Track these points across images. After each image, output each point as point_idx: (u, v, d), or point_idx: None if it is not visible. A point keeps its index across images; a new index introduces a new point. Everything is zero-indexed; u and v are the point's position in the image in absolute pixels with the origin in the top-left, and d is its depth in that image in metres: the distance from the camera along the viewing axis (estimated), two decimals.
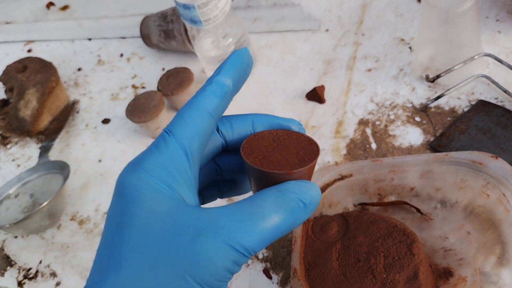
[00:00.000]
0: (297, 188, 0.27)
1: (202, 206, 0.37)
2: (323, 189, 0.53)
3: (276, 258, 0.54)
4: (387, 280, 0.43)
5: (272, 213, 0.25)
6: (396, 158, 0.52)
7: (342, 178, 0.53)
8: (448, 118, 0.60)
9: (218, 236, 0.24)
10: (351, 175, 0.53)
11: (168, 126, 0.28)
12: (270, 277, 0.53)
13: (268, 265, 0.54)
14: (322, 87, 0.68)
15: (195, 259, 0.24)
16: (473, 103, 0.60)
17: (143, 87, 0.84)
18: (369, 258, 0.45)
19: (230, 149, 0.33)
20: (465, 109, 0.60)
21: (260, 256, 0.55)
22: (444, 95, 0.61)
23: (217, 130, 0.31)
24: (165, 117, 0.71)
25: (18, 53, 1.02)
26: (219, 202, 0.34)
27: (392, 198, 0.54)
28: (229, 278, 0.25)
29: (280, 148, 0.29)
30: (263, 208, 0.26)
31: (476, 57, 0.61)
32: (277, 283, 0.52)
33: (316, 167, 0.60)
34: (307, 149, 0.29)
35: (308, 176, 0.29)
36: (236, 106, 0.74)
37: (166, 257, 0.24)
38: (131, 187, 0.26)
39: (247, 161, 0.28)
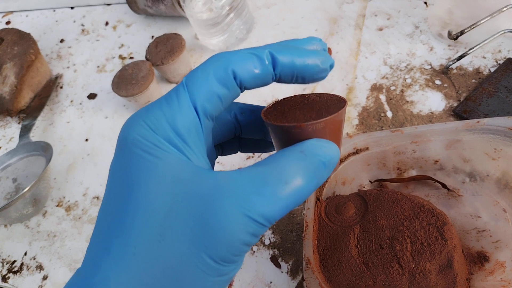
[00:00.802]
0: (318, 148, 0.24)
1: (221, 156, 0.35)
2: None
3: (285, 243, 0.49)
4: (416, 270, 0.37)
5: (295, 177, 0.23)
6: (419, 127, 0.45)
7: (357, 152, 0.47)
8: (473, 80, 0.53)
9: (234, 205, 0.22)
10: (367, 148, 0.47)
11: (186, 77, 0.25)
12: (278, 266, 0.47)
13: (276, 252, 0.48)
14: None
15: (208, 231, 0.21)
16: (501, 62, 0.53)
17: (131, 57, 0.77)
18: (394, 244, 0.39)
19: (254, 109, 0.31)
20: (492, 69, 0.53)
21: (267, 242, 0.49)
22: (467, 54, 0.54)
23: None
24: (155, 89, 0.64)
25: None
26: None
27: (413, 173, 0.48)
28: (245, 251, 0.23)
29: (304, 107, 0.27)
30: (284, 171, 0.23)
31: (504, 9, 0.53)
32: (287, 272, 0.47)
33: None
34: (331, 106, 0.26)
35: (329, 133, 0.26)
36: None
37: (175, 228, 0.22)
38: (136, 145, 0.23)
39: (262, 117, 0.27)
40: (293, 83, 0.26)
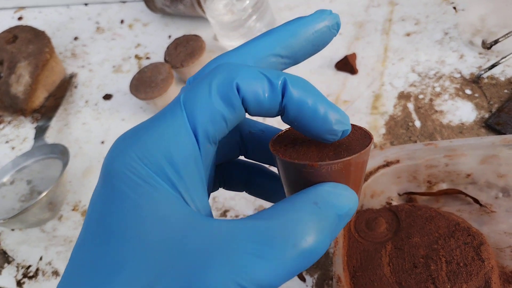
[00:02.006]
0: (334, 197, 0.21)
1: (223, 188, 0.30)
2: (365, 178, 0.45)
3: None
4: None
5: (306, 237, 0.19)
6: (453, 141, 0.44)
7: (387, 164, 0.46)
8: (505, 91, 0.51)
9: (228, 269, 0.18)
10: (398, 161, 0.45)
11: (185, 94, 0.21)
12: (303, 280, 0.46)
13: None
14: (353, 55, 0.59)
15: None
16: None
17: (147, 58, 0.75)
18: (428, 264, 0.38)
19: (266, 130, 0.27)
20: None
21: None
22: (500, 63, 0.52)
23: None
24: (174, 92, 0.63)
25: (7, 21, 0.93)
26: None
27: (444, 186, 0.46)
28: None
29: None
30: (294, 230, 0.19)
31: None
32: (312, 287, 0.45)
33: None
34: (353, 143, 0.23)
35: (348, 176, 0.22)
36: None
37: None
38: (120, 179, 0.19)
39: (270, 147, 0.23)
40: (290, 125, 0.22)
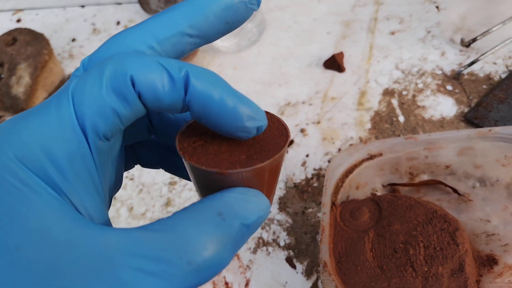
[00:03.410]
0: (241, 205, 0.19)
1: (145, 168, 0.27)
2: (350, 170, 0.48)
3: (300, 245, 0.50)
4: (429, 274, 0.39)
5: (205, 253, 0.17)
6: (432, 134, 0.46)
7: (371, 157, 0.48)
8: (484, 86, 0.54)
9: (114, 285, 0.16)
10: (381, 154, 0.48)
11: (75, 83, 0.18)
12: (294, 266, 0.49)
13: (291, 253, 0.50)
14: (341, 54, 0.62)
15: None
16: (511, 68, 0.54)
17: None
18: (407, 249, 0.41)
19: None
20: (503, 76, 0.54)
21: (282, 244, 0.51)
22: (479, 60, 0.55)
23: None
24: None
25: (6, 23, 0.95)
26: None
27: (425, 177, 0.49)
28: None
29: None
30: (192, 245, 0.17)
31: None
32: (302, 273, 0.48)
33: (342, 146, 0.55)
34: (269, 141, 0.21)
35: (260, 181, 0.20)
36: (246, 76, 0.69)
37: None
38: None
39: (176, 146, 0.20)
40: (202, 123, 0.20)
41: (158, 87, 0.18)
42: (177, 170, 0.27)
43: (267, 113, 0.22)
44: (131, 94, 0.18)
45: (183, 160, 0.20)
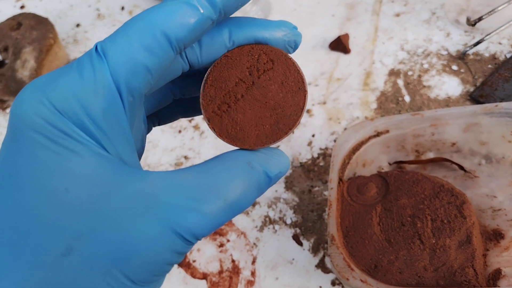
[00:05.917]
0: (267, 160, 0.22)
1: (158, 127, 0.30)
2: (357, 148, 0.48)
3: (306, 222, 0.50)
4: (437, 246, 0.39)
5: (237, 193, 0.20)
6: (438, 110, 0.47)
7: (377, 134, 0.49)
8: (489, 66, 0.54)
9: (164, 221, 0.18)
10: (387, 131, 0.49)
11: (103, 43, 0.19)
12: (300, 244, 0.49)
13: (298, 230, 0.50)
14: (346, 36, 0.62)
15: (128, 249, 0.17)
16: None
17: None
18: (415, 222, 0.41)
19: (195, 73, 0.25)
20: (508, 55, 0.54)
21: (289, 221, 0.51)
22: (484, 40, 0.55)
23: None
24: None
25: (10, 9, 0.95)
26: None
27: (431, 155, 0.50)
28: (168, 271, 0.19)
29: (254, 94, 0.22)
30: (226, 187, 0.20)
31: None
32: (309, 250, 0.49)
33: (348, 126, 0.55)
34: (288, 100, 0.22)
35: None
36: None
37: (85, 242, 0.17)
38: (37, 131, 0.17)
39: (203, 114, 0.22)
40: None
41: (188, 22, 0.19)
42: (197, 111, 0.28)
43: (283, 54, 0.23)
44: (161, 49, 0.19)
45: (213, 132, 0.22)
